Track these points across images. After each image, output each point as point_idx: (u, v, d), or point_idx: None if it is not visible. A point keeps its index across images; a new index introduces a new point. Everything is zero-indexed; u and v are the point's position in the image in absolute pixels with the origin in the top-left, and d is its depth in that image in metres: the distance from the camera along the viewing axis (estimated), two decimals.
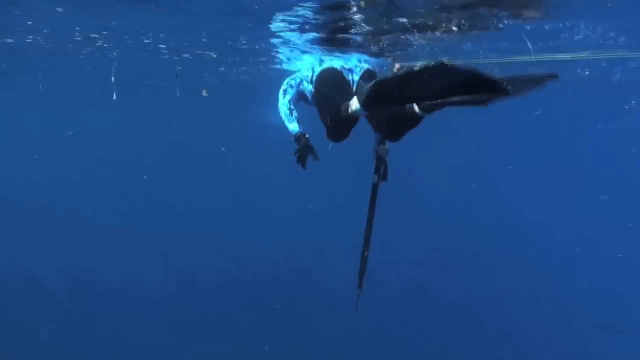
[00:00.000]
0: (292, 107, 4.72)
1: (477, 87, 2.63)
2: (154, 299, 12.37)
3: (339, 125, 4.07)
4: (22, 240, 15.40)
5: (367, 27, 6.17)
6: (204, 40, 8.34)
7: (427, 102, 3.02)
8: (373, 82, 3.20)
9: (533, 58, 8.70)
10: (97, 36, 8.01)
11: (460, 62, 2.60)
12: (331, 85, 4.56)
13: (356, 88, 4.58)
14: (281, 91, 4.85)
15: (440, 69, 2.59)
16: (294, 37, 7.41)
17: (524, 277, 14.38)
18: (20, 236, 15.74)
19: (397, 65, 4.80)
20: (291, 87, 4.92)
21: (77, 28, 7.41)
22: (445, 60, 2.57)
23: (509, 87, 2.59)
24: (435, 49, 8.00)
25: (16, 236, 15.57)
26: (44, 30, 7.62)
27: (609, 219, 18.84)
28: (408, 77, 2.82)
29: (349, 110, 3.73)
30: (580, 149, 22.65)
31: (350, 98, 3.75)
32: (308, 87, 4.96)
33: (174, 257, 14.65)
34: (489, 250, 16.06)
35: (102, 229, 16.69)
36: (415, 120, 3.36)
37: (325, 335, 11.01)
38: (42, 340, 10.45)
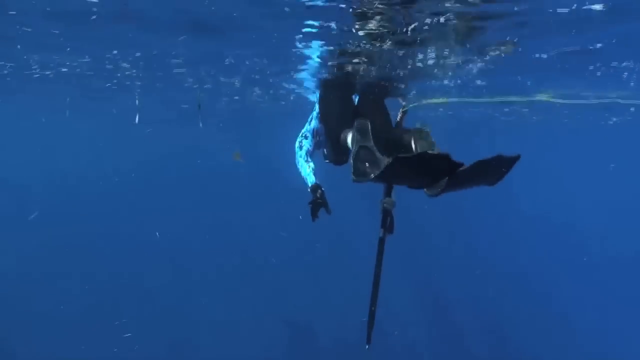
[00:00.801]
0: (309, 159, 4.74)
1: (436, 167, 2.89)
2: None
3: (341, 151, 4.52)
4: None
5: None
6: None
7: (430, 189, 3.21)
8: (353, 177, 3.48)
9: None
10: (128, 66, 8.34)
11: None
12: (335, 102, 5.19)
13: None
14: (297, 144, 4.88)
15: (397, 162, 2.84)
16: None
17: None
18: None
19: (399, 115, 4.88)
20: (306, 137, 4.94)
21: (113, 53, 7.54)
22: (402, 154, 2.85)
23: (463, 166, 2.84)
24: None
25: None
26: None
27: None
28: (380, 178, 3.17)
29: (347, 143, 4.11)
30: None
31: (350, 126, 4.02)
32: (316, 109, 5.17)
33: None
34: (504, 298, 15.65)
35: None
36: None
37: None
38: None
